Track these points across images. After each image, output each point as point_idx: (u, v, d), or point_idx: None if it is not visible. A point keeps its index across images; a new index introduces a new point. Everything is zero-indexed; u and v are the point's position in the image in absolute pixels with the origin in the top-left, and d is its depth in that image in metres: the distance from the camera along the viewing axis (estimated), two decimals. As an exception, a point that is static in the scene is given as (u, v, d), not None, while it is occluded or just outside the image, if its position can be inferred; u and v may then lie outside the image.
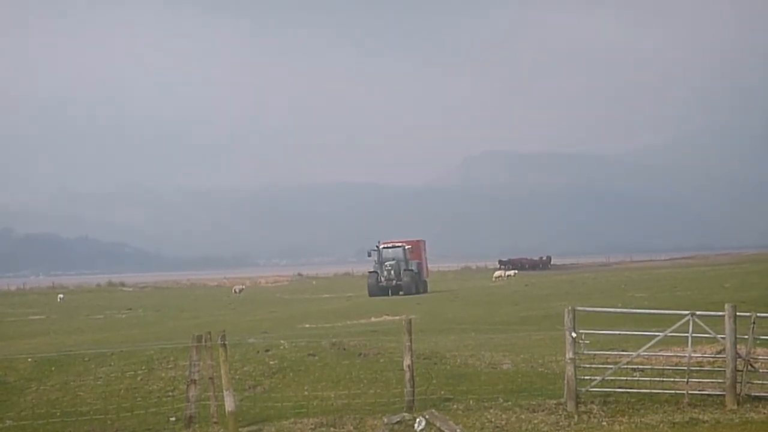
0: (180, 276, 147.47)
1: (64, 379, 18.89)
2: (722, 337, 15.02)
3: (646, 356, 16.31)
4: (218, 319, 37.74)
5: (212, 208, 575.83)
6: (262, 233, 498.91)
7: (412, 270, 58.12)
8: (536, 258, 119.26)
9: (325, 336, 23.53)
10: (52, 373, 19.46)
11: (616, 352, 17.56)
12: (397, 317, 32.28)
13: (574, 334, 14.82)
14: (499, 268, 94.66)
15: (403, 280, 57.06)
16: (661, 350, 17.27)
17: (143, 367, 19.22)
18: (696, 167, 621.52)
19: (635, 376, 15.93)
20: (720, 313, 15.09)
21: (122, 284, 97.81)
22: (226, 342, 14.70)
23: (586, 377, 15.14)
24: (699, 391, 15.11)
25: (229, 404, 14.36)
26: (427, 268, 66.46)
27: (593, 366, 15.61)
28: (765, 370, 15.55)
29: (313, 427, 14.17)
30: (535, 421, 14.00)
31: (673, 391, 15.18)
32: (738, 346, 14.91)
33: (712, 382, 15.40)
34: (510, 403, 14.99)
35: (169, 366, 19.17)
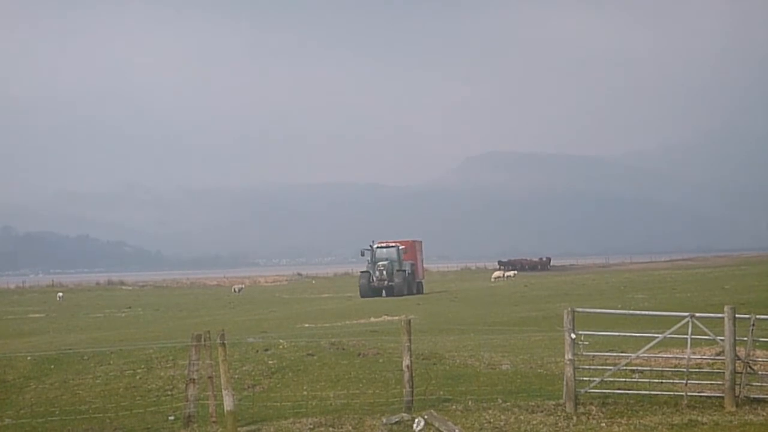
0: (179, 275, 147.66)
1: (63, 378, 18.90)
2: (721, 339, 15.00)
3: (646, 358, 16.30)
4: (217, 318, 37.74)
5: (212, 208, 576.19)
6: (262, 233, 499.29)
7: (404, 271, 56.91)
8: (536, 259, 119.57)
9: (324, 336, 23.54)
10: (51, 371, 19.48)
11: (615, 354, 17.58)
12: (397, 317, 32.28)
13: (573, 335, 14.80)
14: (499, 269, 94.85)
15: (394, 281, 56.02)
16: (660, 352, 17.28)
17: (142, 366, 19.25)
18: (696, 169, 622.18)
19: (634, 378, 15.93)
20: (719, 315, 15.07)
21: (122, 283, 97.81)
22: (225, 341, 14.67)
23: (585, 378, 15.13)
24: (698, 392, 15.09)
25: (228, 403, 14.34)
26: (422, 268, 65.58)
27: (592, 367, 15.59)
28: (764, 372, 15.53)
29: (311, 426, 14.15)
30: (534, 422, 13.98)
31: (672, 393, 15.17)
32: (737, 348, 14.89)
33: (711, 383, 15.39)
34: (509, 403, 14.97)
35: (168, 365, 19.20)
